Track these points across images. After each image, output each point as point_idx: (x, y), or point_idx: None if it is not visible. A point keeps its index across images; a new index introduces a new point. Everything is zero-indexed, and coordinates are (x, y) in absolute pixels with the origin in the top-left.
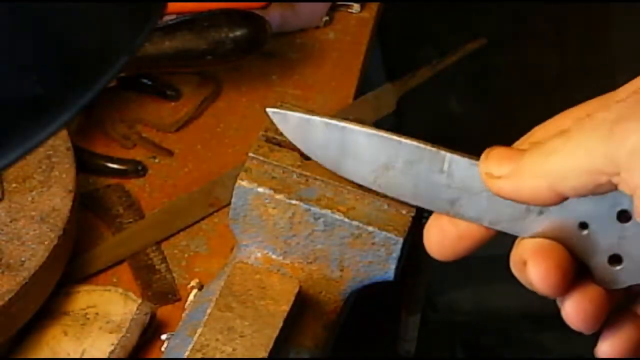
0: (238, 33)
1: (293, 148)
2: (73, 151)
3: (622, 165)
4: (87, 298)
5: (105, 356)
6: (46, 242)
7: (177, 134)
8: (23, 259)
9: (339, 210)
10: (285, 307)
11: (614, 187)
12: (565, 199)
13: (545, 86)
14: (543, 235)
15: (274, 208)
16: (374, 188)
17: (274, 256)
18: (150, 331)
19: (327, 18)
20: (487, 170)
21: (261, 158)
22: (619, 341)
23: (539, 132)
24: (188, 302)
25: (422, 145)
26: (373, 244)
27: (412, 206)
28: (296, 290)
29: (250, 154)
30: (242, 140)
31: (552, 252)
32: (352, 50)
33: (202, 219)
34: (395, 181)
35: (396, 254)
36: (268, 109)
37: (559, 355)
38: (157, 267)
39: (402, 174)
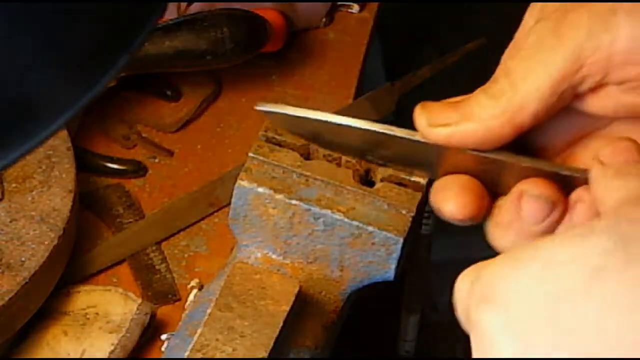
0: (238, 33)
1: (293, 148)
2: (73, 151)
3: (585, 52)
4: (87, 298)
5: (105, 356)
6: (46, 242)
7: (177, 134)
8: (23, 259)
9: (339, 210)
10: (285, 307)
11: (573, 92)
12: (520, 132)
13: None
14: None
15: (274, 208)
16: None
17: (274, 256)
18: (150, 331)
19: (326, 18)
20: (430, 121)
21: (261, 158)
22: None
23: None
24: (188, 302)
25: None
26: (373, 244)
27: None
28: (296, 290)
29: (250, 154)
30: (242, 140)
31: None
32: (352, 50)
33: (202, 219)
34: None
35: (396, 254)
36: (257, 107)
37: None
38: (157, 267)
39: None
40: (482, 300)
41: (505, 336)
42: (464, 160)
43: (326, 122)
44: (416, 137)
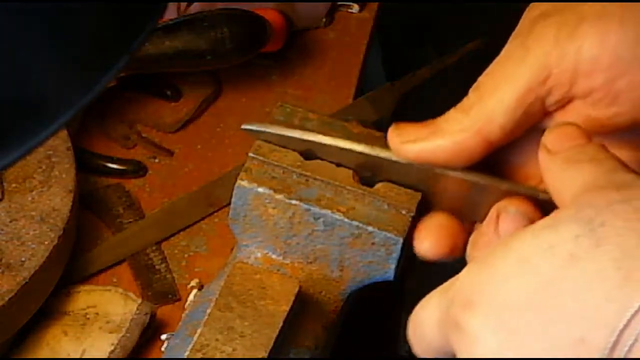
0: (238, 33)
1: (293, 148)
2: (73, 151)
3: (551, 60)
4: (87, 298)
5: (105, 356)
6: (46, 242)
7: (177, 134)
8: (23, 259)
9: (339, 210)
10: (285, 307)
11: (541, 107)
12: (491, 147)
13: None
14: None
15: (274, 208)
16: None
17: (274, 256)
18: (150, 331)
19: (326, 18)
20: (402, 138)
21: (261, 158)
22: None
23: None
24: (188, 302)
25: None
26: (373, 244)
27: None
28: (296, 290)
29: (250, 154)
30: (242, 140)
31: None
32: (352, 50)
33: (202, 219)
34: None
35: (396, 254)
36: (243, 127)
37: None
38: (157, 267)
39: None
40: (465, 307)
41: (492, 334)
42: (446, 185)
43: (311, 141)
44: (396, 157)
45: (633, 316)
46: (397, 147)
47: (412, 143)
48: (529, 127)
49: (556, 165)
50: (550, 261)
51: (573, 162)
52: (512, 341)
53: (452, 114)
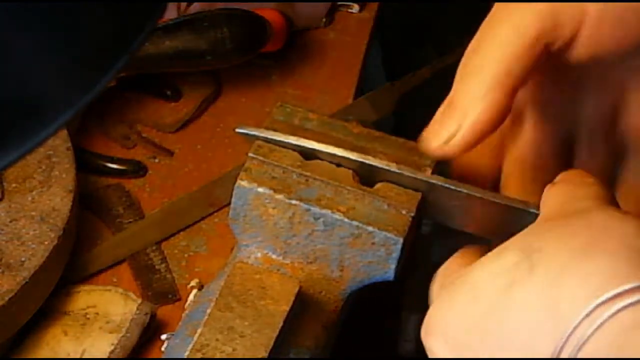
0: (238, 33)
1: (293, 148)
2: (73, 151)
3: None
4: (87, 298)
5: (105, 356)
6: (46, 242)
7: (177, 134)
8: (23, 259)
9: (339, 210)
10: (285, 307)
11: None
12: (514, 89)
13: None
14: None
15: (274, 208)
16: None
17: (274, 256)
18: (150, 331)
19: (326, 18)
20: (436, 141)
21: (261, 158)
22: None
23: None
24: (188, 302)
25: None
26: (373, 244)
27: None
28: (296, 290)
29: (250, 154)
30: (242, 140)
31: None
32: (352, 50)
33: (202, 219)
34: None
35: (396, 254)
36: (237, 130)
37: None
38: (157, 267)
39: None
40: (427, 334)
41: (452, 356)
42: (439, 195)
43: (305, 147)
44: (392, 167)
45: (560, 350)
46: (440, 151)
47: (450, 140)
48: (541, 53)
49: (548, 190)
50: (493, 288)
51: (564, 182)
52: None
53: (457, 82)
